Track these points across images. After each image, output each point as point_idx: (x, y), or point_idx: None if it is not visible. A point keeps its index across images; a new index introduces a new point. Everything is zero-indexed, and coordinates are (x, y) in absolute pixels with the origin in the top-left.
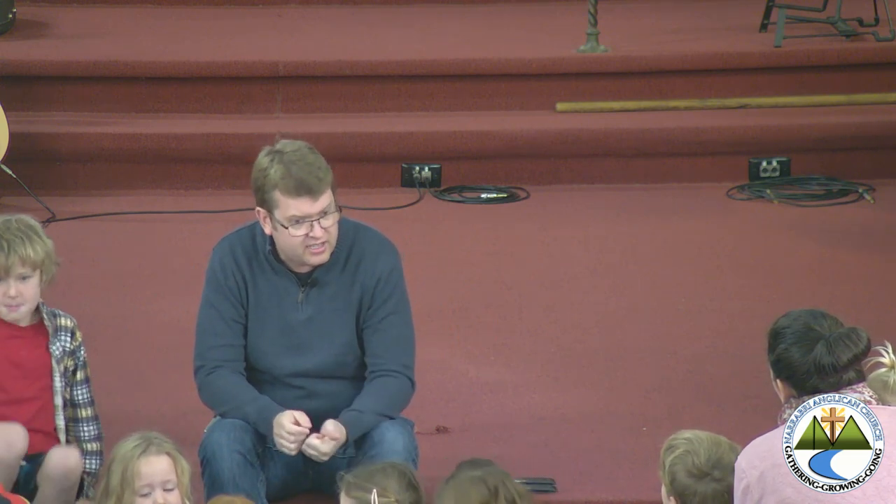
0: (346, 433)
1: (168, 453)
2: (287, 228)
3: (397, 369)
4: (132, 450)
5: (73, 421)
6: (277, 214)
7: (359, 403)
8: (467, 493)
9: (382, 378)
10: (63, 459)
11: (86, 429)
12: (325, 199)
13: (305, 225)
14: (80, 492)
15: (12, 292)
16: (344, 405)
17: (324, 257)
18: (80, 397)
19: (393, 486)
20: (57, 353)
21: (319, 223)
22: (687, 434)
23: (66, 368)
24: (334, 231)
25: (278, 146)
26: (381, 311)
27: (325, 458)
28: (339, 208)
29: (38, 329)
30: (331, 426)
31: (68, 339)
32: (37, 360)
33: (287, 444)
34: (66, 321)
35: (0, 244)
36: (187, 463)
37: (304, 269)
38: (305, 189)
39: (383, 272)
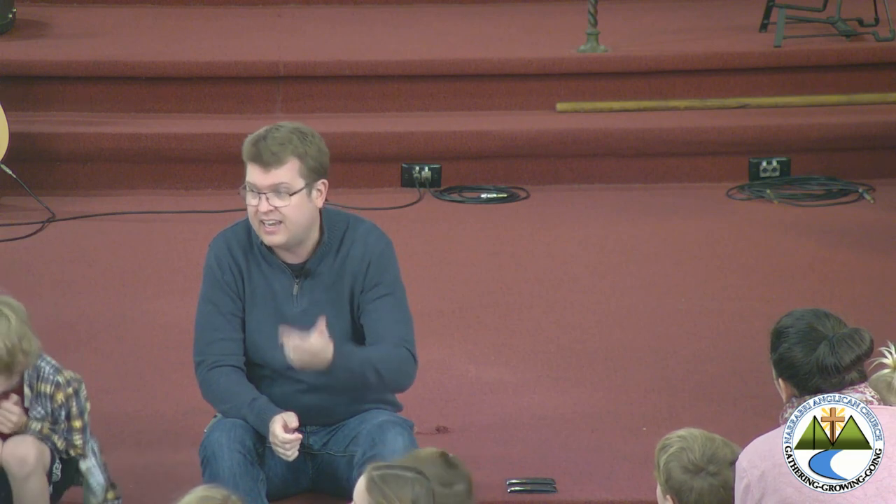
0: (332, 356)
1: None
2: (245, 195)
3: (395, 343)
4: (199, 500)
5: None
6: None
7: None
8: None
9: (382, 344)
10: (13, 448)
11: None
12: (281, 175)
13: (256, 196)
14: (66, 480)
15: None
16: (345, 399)
17: (275, 239)
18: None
19: (420, 502)
20: (36, 416)
21: (267, 198)
22: (680, 432)
23: (43, 427)
24: (292, 215)
25: (276, 125)
26: (373, 293)
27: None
28: (308, 194)
29: (18, 393)
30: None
31: (48, 403)
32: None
33: (284, 453)
34: (46, 387)
35: None
36: None
37: (296, 260)
38: (258, 157)
39: (372, 255)
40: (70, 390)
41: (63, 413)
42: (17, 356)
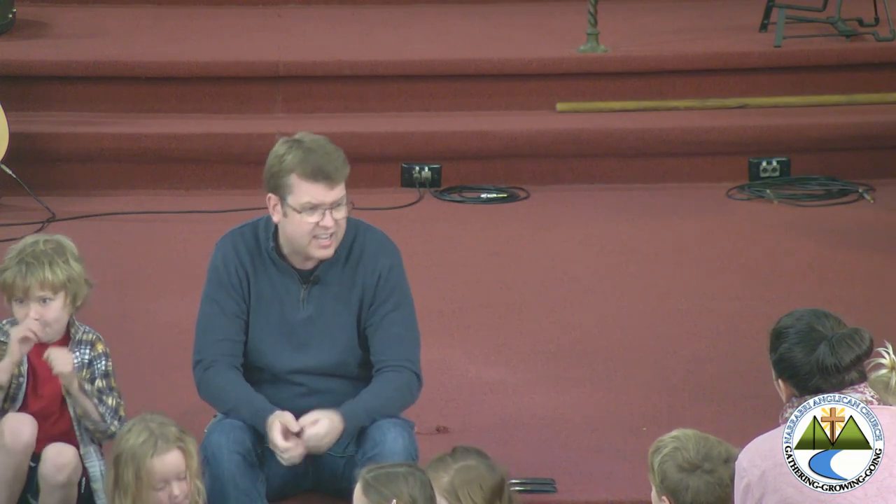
0: (344, 424)
1: (178, 447)
2: (299, 214)
3: (400, 364)
4: (142, 446)
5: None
6: (291, 200)
7: (358, 397)
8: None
9: (385, 373)
10: (55, 456)
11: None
12: (340, 189)
13: (318, 213)
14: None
15: (32, 314)
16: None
17: (329, 252)
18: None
19: (416, 493)
20: (75, 362)
21: (332, 213)
22: (673, 433)
23: (81, 381)
24: (343, 225)
25: (297, 136)
26: (382, 309)
27: (325, 449)
28: (351, 203)
29: (63, 344)
30: (315, 428)
31: (87, 350)
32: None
33: (282, 457)
34: (88, 335)
35: (20, 267)
36: (193, 444)
37: (307, 266)
38: (323, 175)
39: (383, 270)
40: (107, 349)
41: (101, 365)
42: (79, 284)
